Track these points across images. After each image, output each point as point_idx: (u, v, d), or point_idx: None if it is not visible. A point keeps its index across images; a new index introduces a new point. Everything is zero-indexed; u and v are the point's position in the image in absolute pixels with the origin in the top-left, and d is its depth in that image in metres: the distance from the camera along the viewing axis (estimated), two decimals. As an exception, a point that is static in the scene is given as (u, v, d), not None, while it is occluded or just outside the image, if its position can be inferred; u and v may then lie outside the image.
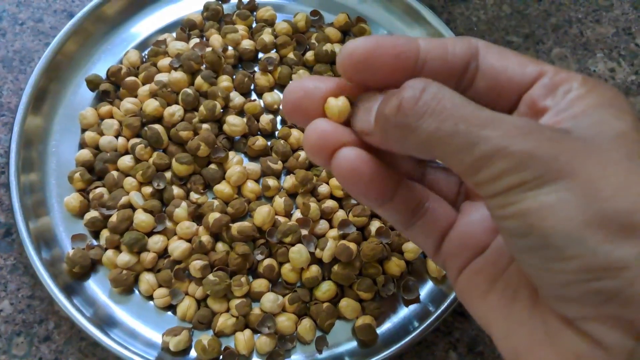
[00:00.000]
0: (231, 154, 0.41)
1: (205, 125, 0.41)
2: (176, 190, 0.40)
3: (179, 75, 0.42)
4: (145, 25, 0.47)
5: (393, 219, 0.23)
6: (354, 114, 0.20)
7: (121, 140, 0.41)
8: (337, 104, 0.20)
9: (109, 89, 0.43)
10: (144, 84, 0.43)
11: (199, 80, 0.42)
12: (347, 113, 0.20)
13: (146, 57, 0.45)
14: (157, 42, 0.45)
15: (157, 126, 0.41)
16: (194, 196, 0.40)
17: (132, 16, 0.47)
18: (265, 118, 0.43)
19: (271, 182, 0.41)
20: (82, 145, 0.42)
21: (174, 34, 0.46)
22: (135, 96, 0.43)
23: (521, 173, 0.17)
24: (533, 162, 0.17)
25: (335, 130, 0.20)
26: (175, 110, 0.41)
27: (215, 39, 0.45)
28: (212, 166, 0.41)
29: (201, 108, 0.41)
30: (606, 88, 0.20)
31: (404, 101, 0.18)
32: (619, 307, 0.17)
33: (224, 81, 0.43)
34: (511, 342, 0.20)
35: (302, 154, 0.41)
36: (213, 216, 0.38)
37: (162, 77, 0.43)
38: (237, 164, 0.41)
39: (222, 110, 0.42)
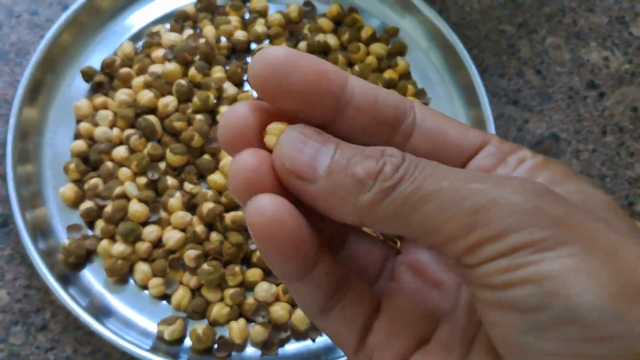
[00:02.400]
0: (225, 144, 0.42)
1: (199, 116, 0.41)
2: (170, 181, 0.40)
3: (172, 66, 0.42)
4: (139, 17, 0.47)
5: (310, 298, 0.18)
6: (285, 146, 0.16)
7: (116, 131, 0.42)
8: (282, 128, 0.16)
9: (104, 81, 0.43)
10: (138, 75, 0.43)
11: (192, 71, 0.43)
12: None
13: (140, 48, 0.45)
14: (151, 34, 0.45)
15: (152, 117, 0.41)
16: (187, 186, 0.40)
17: (126, 8, 0.47)
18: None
19: (265, 172, 0.41)
20: (77, 136, 0.42)
21: (168, 26, 0.46)
22: (130, 87, 0.43)
23: (529, 230, 0.14)
24: (541, 218, 0.14)
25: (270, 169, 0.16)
26: (169, 101, 0.41)
27: (209, 30, 0.45)
28: (206, 156, 0.41)
29: (195, 99, 0.42)
30: (558, 162, 0.18)
31: (386, 167, 0.15)
32: None
33: (217, 72, 0.43)
34: None
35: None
36: (207, 206, 0.39)
37: (156, 68, 0.43)
38: (231, 154, 0.41)
39: (215, 101, 0.42)
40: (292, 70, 0.16)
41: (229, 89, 0.43)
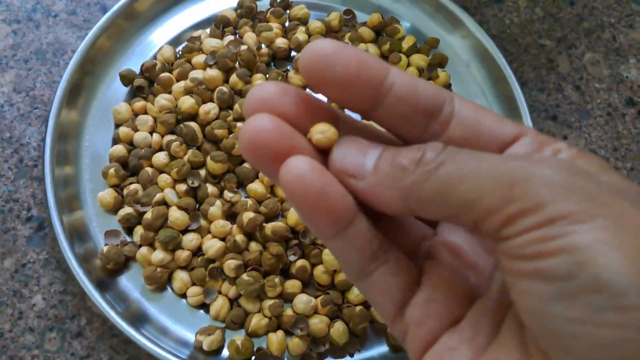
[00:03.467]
0: (265, 153, 0.41)
1: (240, 124, 0.41)
2: (210, 189, 0.40)
3: (214, 72, 0.42)
4: (178, 22, 0.47)
5: (348, 257, 0.19)
6: (338, 153, 0.18)
7: (156, 136, 0.41)
8: (329, 128, 0.18)
9: (143, 85, 0.43)
10: (178, 81, 0.43)
11: (233, 78, 0.42)
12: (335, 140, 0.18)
13: (180, 53, 0.45)
14: (192, 39, 0.45)
15: (193, 124, 0.40)
16: (227, 195, 0.40)
17: (165, 12, 0.47)
18: (299, 118, 0.43)
19: (305, 182, 0.41)
20: (116, 140, 0.42)
21: (208, 31, 0.46)
22: (170, 92, 0.43)
23: (564, 203, 0.15)
24: (575, 193, 0.15)
25: (284, 130, 0.17)
26: (210, 108, 0.41)
27: (249, 37, 0.45)
28: (246, 165, 0.41)
29: (236, 106, 0.41)
30: (594, 155, 0.18)
31: (427, 154, 0.16)
32: None
33: (258, 79, 0.43)
34: None
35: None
36: (247, 215, 0.38)
37: (196, 73, 0.42)
38: (271, 163, 0.41)
39: (256, 109, 0.42)
40: (336, 61, 0.17)
41: (270, 96, 0.42)
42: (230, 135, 0.40)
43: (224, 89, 0.41)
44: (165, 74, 0.43)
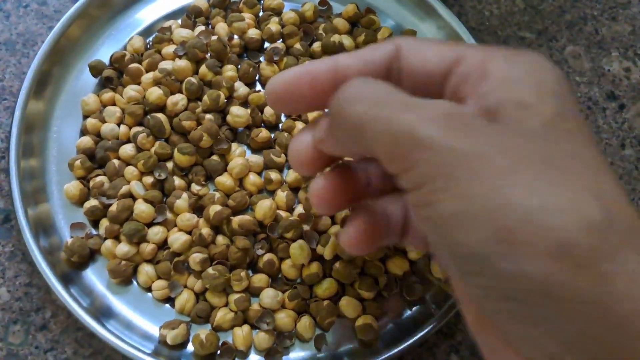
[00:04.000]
0: (234, 145, 0.41)
1: (208, 116, 0.40)
2: (177, 181, 0.39)
3: (183, 63, 0.41)
4: (150, 12, 0.46)
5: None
6: (315, 133, 0.23)
7: (123, 128, 0.40)
8: None
9: (112, 76, 0.42)
10: (147, 72, 0.42)
11: (203, 69, 0.42)
12: None
13: (150, 43, 0.44)
14: (162, 29, 0.44)
15: (160, 115, 0.40)
16: (195, 187, 0.39)
17: (137, 2, 0.46)
18: (270, 110, 0.42)
19: (274, 175, 0.40)
20: (84, 132, 0.41)
21: (179, 21, 0.45)
22: (139, 83, 0.42)
23: (431, 166, 0.16)
24: (445, 154, 0.16)
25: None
26: (178, 100, 0.40)
27: (221, 27, 0.44)
28: (214, 157, 0.40)
29: (205, 98, 0.40)
30: (526, 60, 0.18)
31: (339, 91, 0.19)
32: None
33: (229, 71, 0.42)
34: None
35: (306, 148, 0.41)
36: (214, 208, 0.38)
37: (166, 64, 0.42)
38: (240, 155, 0.40)
39: (226, 101, 0.41)
40: (292, 94, 0.22)
41: (240, 88, 0.42)
42: (199, 127, 0.39)
43: (193, 80, 0.41)
44: (135, 65, 0.42)
